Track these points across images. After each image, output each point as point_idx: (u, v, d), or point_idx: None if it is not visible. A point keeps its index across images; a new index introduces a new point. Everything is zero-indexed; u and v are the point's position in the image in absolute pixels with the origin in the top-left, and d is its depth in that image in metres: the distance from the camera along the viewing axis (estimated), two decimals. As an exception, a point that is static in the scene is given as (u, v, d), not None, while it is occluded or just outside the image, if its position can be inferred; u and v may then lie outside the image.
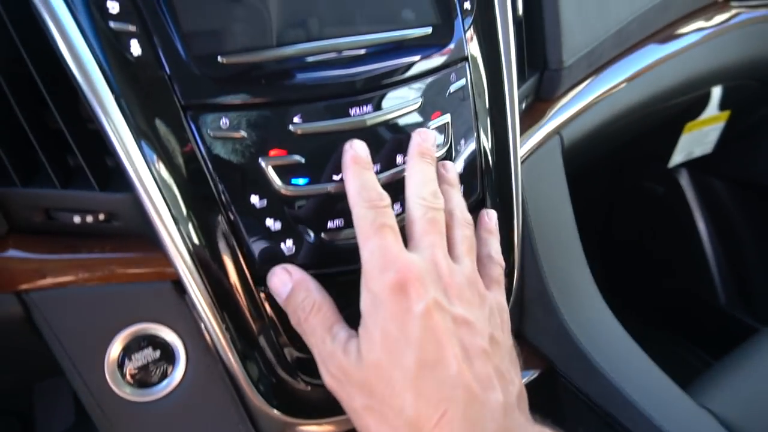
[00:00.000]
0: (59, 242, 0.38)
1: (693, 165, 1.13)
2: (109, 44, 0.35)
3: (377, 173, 0.41)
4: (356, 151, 0.38)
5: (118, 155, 0.35)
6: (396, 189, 0.41)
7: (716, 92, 0.86)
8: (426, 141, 0.41)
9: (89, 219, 0.37)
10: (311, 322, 0.36)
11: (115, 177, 0.39)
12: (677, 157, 0.97)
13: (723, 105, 0.90)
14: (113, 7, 0.35)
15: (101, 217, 0.38)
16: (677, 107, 0.84)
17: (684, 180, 1.15)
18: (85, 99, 0.35)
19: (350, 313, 0.37)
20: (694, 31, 0.77)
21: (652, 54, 0.71)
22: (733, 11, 0.82)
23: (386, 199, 0.37)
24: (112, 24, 0.35)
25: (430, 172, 0.40)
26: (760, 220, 1.16)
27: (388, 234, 0.35)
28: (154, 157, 0.36)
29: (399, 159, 0.42)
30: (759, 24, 0.83)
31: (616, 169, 1.20)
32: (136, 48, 0.35)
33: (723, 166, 1.12)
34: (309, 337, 0.37)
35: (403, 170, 0.41)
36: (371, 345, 0.33)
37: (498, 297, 0.39)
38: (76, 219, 0.37)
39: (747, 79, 0.87)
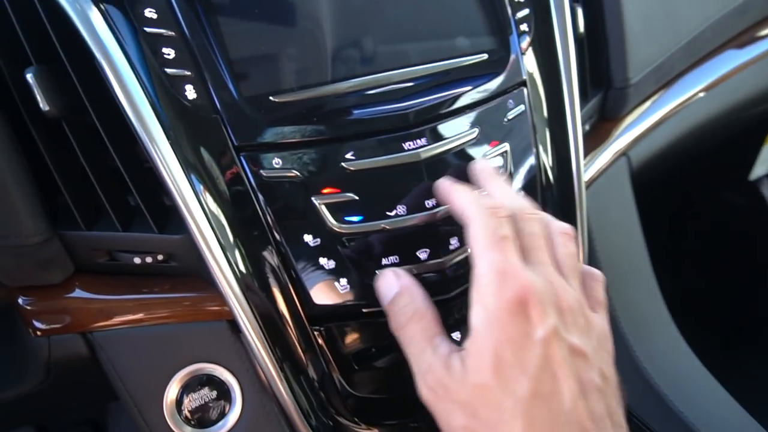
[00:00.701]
0: (121, 283, 0.39)
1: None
2: (163, 89, 0.35)
3: (433, 208, 0.39)
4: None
5: (174, 197, 0.36)
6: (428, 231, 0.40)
7: (803, 98, 0.79)
8: (486, 166, 0.40)
9: (149, 260, 0.38)
10: (411, 330, 0.35)
11: (174, 218, 0.39)
12: (760, 169, 0.89)
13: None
14: (169, 53, 0.36)
15: (160, 257, 0.39)
16: (758, 116, 0.78)
17: (766, 189, 1.06)
18: (141, 142, 0.35)
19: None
20: (774, 35, 0.71)
21: (729, 61, 0.66)
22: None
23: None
24: (168, 70, 0.36)
25: (509, 188, 0.38)
26: None
27: (510, 247, 0.33)
28: (208, 197, 0.36)
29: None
30: None
31: (691, 179, 1.13)
32: (191, 92, 0.36)
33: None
34: (407, 345, 0.35)
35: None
36: (480, 365, 0.32)
37: (603, 323, 0.36)
38: (137, 260, 0.38)
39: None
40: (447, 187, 0.37)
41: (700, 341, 0.52)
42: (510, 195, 0.38)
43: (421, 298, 0.36)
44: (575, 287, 0.35)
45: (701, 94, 0.61)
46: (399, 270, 0.38)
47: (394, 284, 0.36)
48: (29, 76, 0.34)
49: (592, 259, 0.50)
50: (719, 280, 1.18)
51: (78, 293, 0.38)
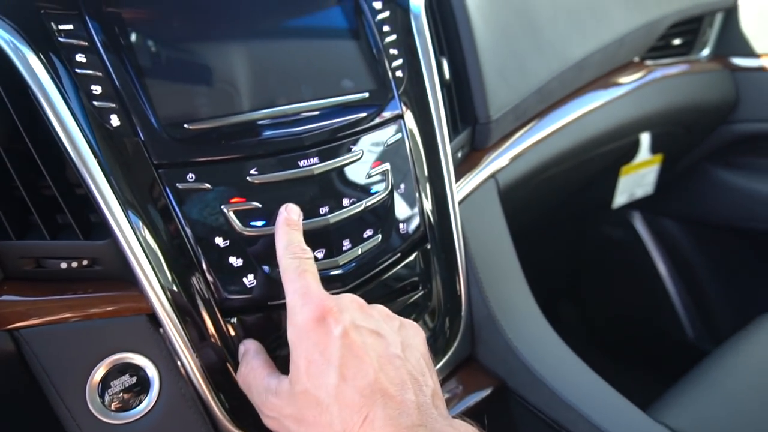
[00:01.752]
0: (48, 287, 0.44)
1: (645, 207, 1.22)
2: (93, 119, 0.42)
3: (326, 214, 0.48)
4: (288, 213, 0.45)
5: (101, 208, 0.42)
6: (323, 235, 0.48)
7: (645, 138, 0.96)
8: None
9: (74, 264, 0.43)
10: (245, 382, 0.43)
11: (96, 230, 0.45)
12: (620, 198, 1.05)
13: (654, 149, 1.00)
14: (96, 90, 0.43)
15: (85, 262, 0.44)
16: (612, 153, 0.94)
17: (638, 222, 1.23)
18: (72, 164, 0.41)
19: None
20: (614, 85, 0.88)
21: (577, 107, 0.81)
22: (649, 68, 0.94)
23: (309, 252, 0.44)
24: (96, 103, 0.42)
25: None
26: (715, 254, 1.23)
27: (309, 277, 0.42)
28: (132, 209, 0.42)
29: (345, 201, 0.50)
30: (672, 78, 0.95)
31: (577, 215, 1.29)
32: (115, 120, 0.43)
33: (672, 205, 1.20)
34: (247, 394, 0.43)
35: (341, 215, 0.49)
36: (298, 376, 0.38)
37: (400, 319, 0.45)
38: (63, 265, 0.43)
39: (671, 126, 0.97)
40: (278, 225, 0.45)
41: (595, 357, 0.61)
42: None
43: (252, 353, 0.44)
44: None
45: (553, 134, 0.74)
46: (246, 340, 0.46)
47: (242, 350, 0.45)
48: (-30, 108, 0.40)
49: (467, 262, 0.59)
50: (609, 305, 1.33)
51: (5, 297, 0.42)
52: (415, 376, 0.40)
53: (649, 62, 0.95)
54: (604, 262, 1.29)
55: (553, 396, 0.52)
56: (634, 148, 0.97)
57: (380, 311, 0.44)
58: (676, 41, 1.00)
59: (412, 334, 0.43)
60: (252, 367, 0.43)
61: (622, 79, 0.90)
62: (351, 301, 0.42)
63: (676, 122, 0.97)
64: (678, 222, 1.22)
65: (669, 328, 1.23)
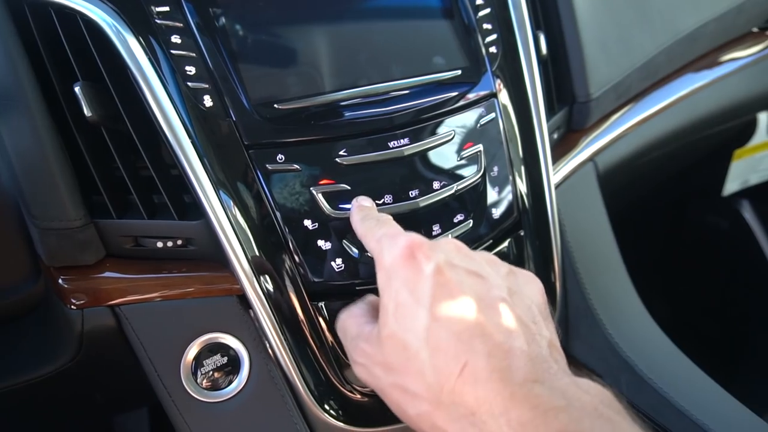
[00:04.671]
0: (145, 265, 0.45)
1: (756, 195, 1.10)
2: (187, 99, 0.42)
3: (416, 197, 0.46)
4: (359, 201, 0.43)
5: (194, 188, 0.42)
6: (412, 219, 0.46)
7: (763, 118, 0.86)
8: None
9: (170, 244, 0.44)
10: (340, 332, 0.40)
11: (190, 210, 0.45)
12: (731, 185, 0.95)
13: (774, 131, 0.89)
14: (191, 70, 0.43)
15: (179, 242, 0.44)
16: (723, 135, 0.85)
17: (747, 212, 1.11)
18: (167, 144, 0.42)
19: None
20: (729, 60, 0.79)
21: (686, 84, 0.73)
22: (771, 39, 0.83)
23: (388, 216, 0.41)
24: (190, 84, 0.43)
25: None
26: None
27: (392, 224, 0.38)
28: (224, 189, 0.43)
29: (435, 184, 0.47)
30: (799, 50, 0.84)
31: (678, 203, 1.19)
32: (208, 101, 0.43)
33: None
34: (343, 340, 0.40)
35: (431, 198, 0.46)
36: (386, 319, 0.34)
37: (512, 267, 0.39)
38: (159, 244, 0.44)
39: (795, 104, 0.86)
40: (353, 208, 0.43)
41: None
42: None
43: (350, 305, 0.41)
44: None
45: (658, 114, 0.67)
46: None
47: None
48: (77, 89, 0.41)
49: (563, 251, 0.55)
50: (708, 300, 1.22)
51: (108, 274, 0.44)
52: (525, 323, 0.33)
53: (770, 32, 0.85)
54: (707, 254, 1.18)
55: (662, 400, 0.47)
56: (749, 129, 0.87)
57: (484, 255, 0.38)
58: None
59: (523, 282, 0.37)
60: (351, 313, 0.39)
61: (739, 53, 0.81)
62: (448, 241, 0.37)
63: (800, 100, 0.86)
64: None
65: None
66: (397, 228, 0.38)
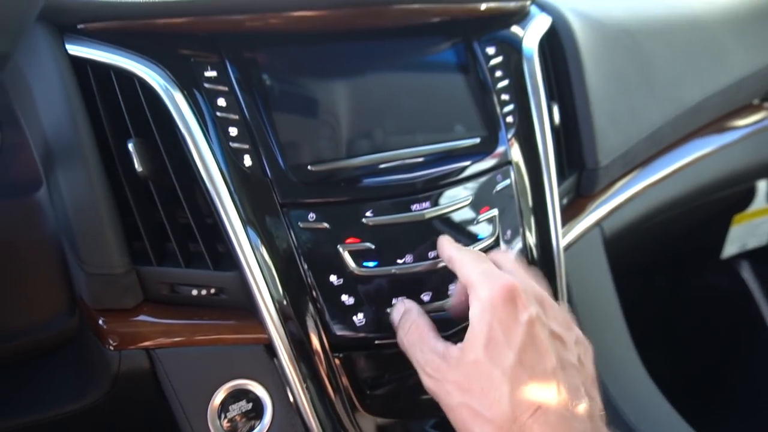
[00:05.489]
0: (179, 311, 0.48)
1: (755, 256, 1.13)
2: (229, 158, 0.46)
3: (435, 258, 0.49)
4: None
5: (231, 241, 0.45)
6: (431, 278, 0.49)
7: (762, 186, 0.89)
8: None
9: (203, 292, 0.47)
10: (411, 337, 0.43)
11: (223, 260, 0.48)
12: (730, 248, 0.98)
13: (772, 197, 0.93)
14: (234, 132, 0.47)
15: (212, 291, 0.47)
16: (724, 200, 0.88)
17: (746, 273, 1.14)
18: (209, 197, 0.45)
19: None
20: (730, 129, 0.83)
21: (690, 152, 0.77)
22: (769, 112, 0.88)
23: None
24: (232, 144, 0.46)
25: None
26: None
27: (490, 262, 0.43)
28: (258, 243, 0.46)
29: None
30: (797, 122, 0.88)
31: (677, 263, 1.21)
32: (248, 161, 0.46)
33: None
34: (408, 349, 0.43)
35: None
36: (475, 345, 0.38)
37: (579, 332, 0.44)
38: (194, 292, 0.47)
39: (793, 174, 0.90)
40: (442, 242, 0.47)
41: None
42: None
43: (417, 314, 0.45)
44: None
45: (662, 181, 0.71)
46: (405, 299, 0.47)
47: (401, 309, 0.46)
48: (130, 146, 0.45)
49: (570, 310, 0.58)
50: (708, 361, 1.23)
51: (145, 317, 0.47)
52: (588, 390, 0.39)
53: (769, 104, 0.90)
54: (705, 313, 1.21)
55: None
56: (748, 195, 0.91)
57: (564, 317, 0.43)
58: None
59: (584, 352, 0.43)
60: (418, 325, 0.43)
61: (740, 122, 0.85)
62: (535, 294, 0.42)
63: (798, 170, 0.90)
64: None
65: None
66: (494, 267, 0.42)
